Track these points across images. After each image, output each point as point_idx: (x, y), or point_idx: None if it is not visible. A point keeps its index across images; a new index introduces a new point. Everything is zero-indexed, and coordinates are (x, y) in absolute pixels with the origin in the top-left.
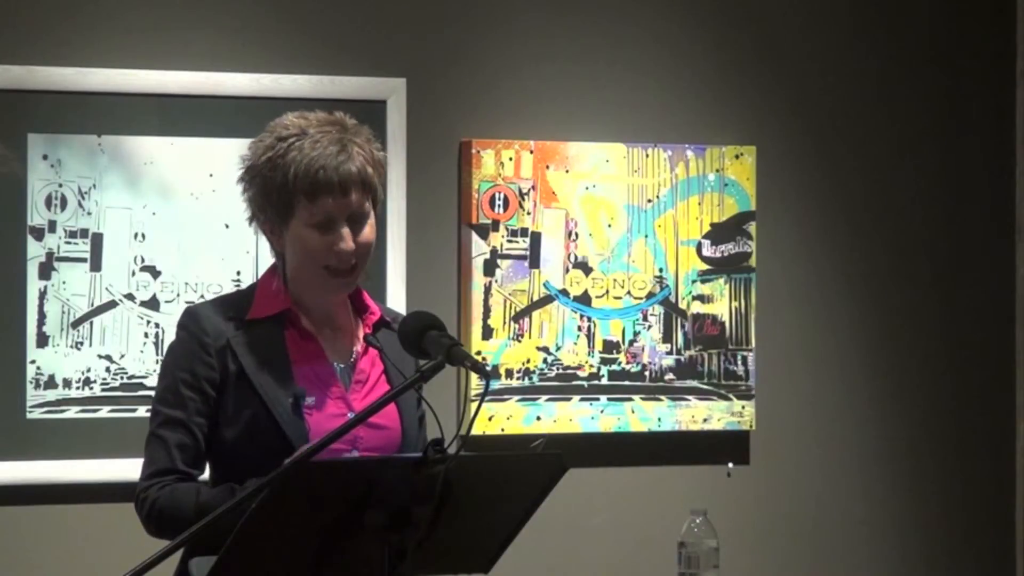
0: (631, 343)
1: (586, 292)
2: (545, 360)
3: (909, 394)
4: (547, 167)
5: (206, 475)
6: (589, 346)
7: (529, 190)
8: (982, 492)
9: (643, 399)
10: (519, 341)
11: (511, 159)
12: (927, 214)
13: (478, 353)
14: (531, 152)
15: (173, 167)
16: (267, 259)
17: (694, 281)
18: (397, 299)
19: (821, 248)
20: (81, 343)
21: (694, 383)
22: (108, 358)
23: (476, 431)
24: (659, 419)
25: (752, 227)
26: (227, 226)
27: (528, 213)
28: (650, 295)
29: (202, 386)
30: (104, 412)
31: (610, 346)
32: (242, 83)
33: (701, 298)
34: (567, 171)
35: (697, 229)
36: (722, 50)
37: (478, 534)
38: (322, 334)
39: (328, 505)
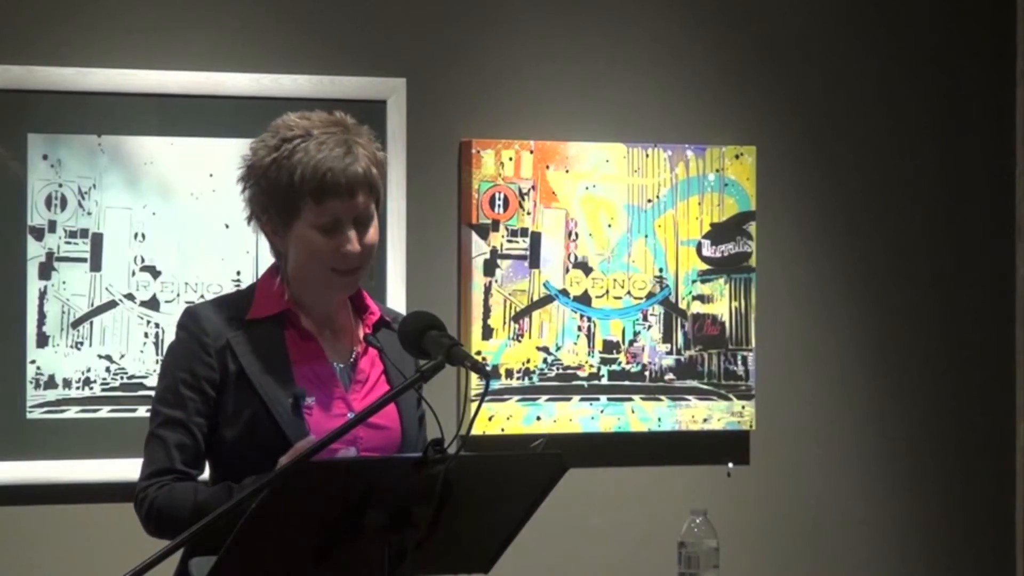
0: (631, 343)
1: (586, 292)
2: (545, 360)
3: (909, 394)
4: (547, 167)
5: (206, 475)
6: (589, 346)
7: (529, 190)
8: (982, 492)
9: (643, 399)
10: (519, 341)
11: (511, 159)
12: (927, 214)
13: (478, 353)
14: (531, 152)
15: (173, 167)
16: (267, 259)
17: (694, 281)
18: (397, 299)
19: (821, 248)
20: (81, 343)
21: (694, 383)
22: (108, 358)
23: (476, 431)
24: (659, 419)
25: (752, 227)
26: (227, 226)
27: (528, 213)
28: (650, 295)
29: (202, 386)
30: (104, 412)
31: (610, 346)
32: (242, 83)
33: (701, 298)
34: (567, 171)
35: (697, 229)
36: (722, 50)
37: (478, 534)
38: (322, 334)
39: (328, 505)
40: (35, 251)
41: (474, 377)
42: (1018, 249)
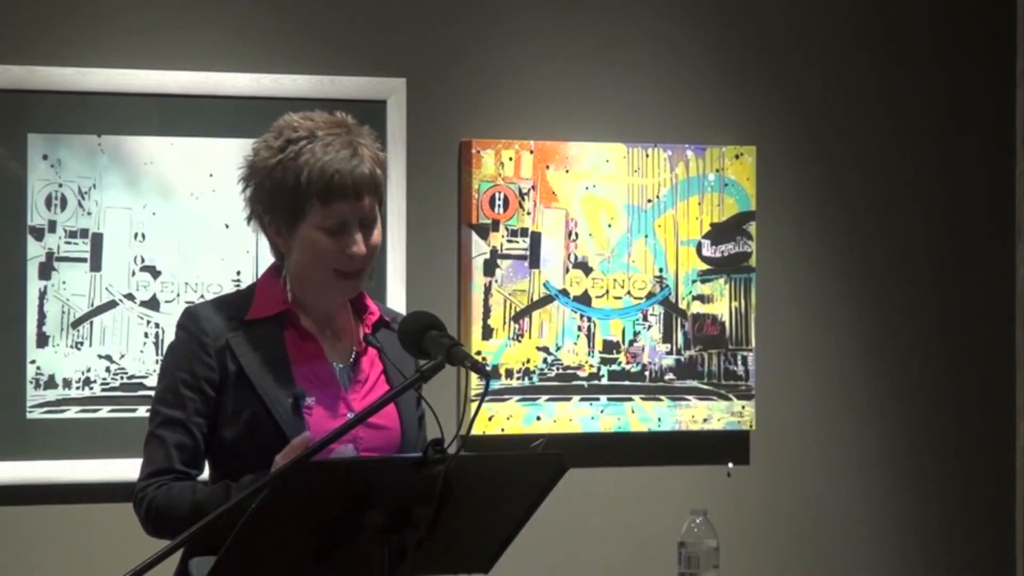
0: (631, 343)
1: (586, 292)
2: (545, 360)
3: (909, 394)
4: (547, 167)
5: (205, 475)
6: (589, 346)
7: (529, 190)
8: (982, 492)
9: (643, 399)
10: (519, 341)
11: (511, 159)
12: (927, 214)
13: (478, 353)
14: (531, 152)
15: (173, 167)
16: (267, 259)
17: (694, 281)
18: (397, 299)
19: (821, 248)
20: (81, 343)
21: (694, 383)
22: (108, 358)
23: (476, 431)
24: (659, 419)
25: (752, 227)
26: (227, 226)
27: (528, 213)
28: (650, 295)
29: (201, 386)
30: (104, 412)
31: (610, 346)
32: (242, 83)
33: (701, 298)
34: (567, 171)
35: (697, 229)
36: (722, 50)
37: (478, 534)
38: (322, 334)
39: (328, 505)
40: (35, 251)
41: (474, 377)
42: (1018, 249)
